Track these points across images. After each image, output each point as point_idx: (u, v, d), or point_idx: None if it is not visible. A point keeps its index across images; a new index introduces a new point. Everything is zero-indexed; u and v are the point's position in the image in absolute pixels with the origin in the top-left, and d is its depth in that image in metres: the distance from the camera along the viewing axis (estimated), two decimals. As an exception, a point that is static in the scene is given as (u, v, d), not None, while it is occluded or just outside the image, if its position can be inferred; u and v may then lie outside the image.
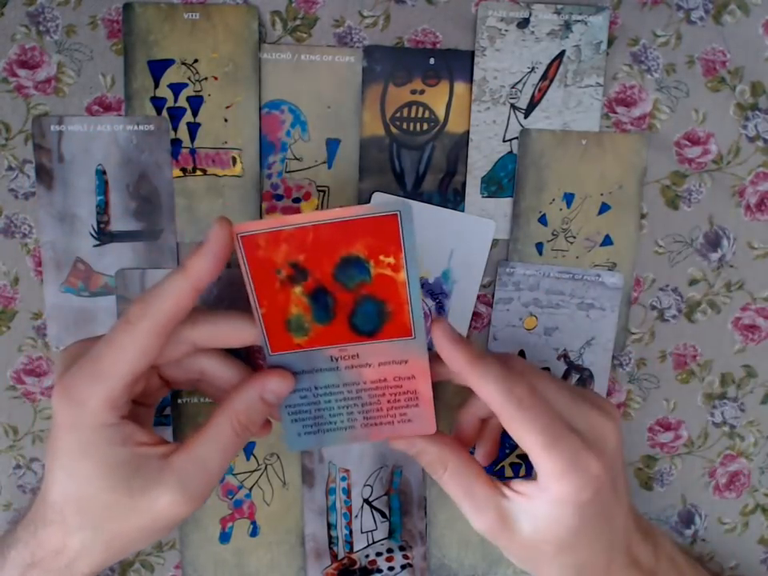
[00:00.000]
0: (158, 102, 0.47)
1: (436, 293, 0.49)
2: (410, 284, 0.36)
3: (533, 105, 0.48)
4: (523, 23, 0.47)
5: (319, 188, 0.49)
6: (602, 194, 0.49)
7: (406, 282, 0.36)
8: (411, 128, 0.48)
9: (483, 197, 0.49)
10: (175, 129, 0.48)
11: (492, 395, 0.37)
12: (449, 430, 0.50)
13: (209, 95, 0.47)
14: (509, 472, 0.51)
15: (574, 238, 0.49)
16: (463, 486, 0.39)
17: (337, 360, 0.38)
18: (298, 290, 0.36)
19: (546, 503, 0.38)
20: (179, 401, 0.49)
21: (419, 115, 0.48)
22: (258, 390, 0.38)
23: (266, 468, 0.50)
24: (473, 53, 0.48)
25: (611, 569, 0.40)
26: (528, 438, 0.37)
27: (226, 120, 0.48)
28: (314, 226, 0.34)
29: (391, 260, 0.35)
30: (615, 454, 0.39)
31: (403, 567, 0.51)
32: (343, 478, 0.51)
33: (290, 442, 0.41)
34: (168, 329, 0.36)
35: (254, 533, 0.51)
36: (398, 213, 0.34)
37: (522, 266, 0.49)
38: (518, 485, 0.39)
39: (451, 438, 0.41)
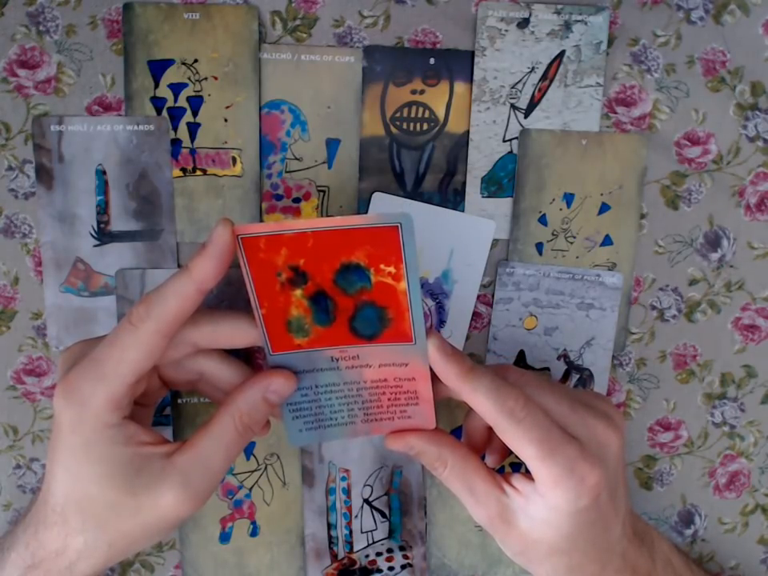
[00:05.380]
0: (158, 102, 0.47)
1: (436, 293, 0.49)
2: (410, 293, 0.36)
3: (533, 105, 0.48)
4: (523, 23, 0.47)
5: (319, 188, 0.49)
6: (601, 194, 0.49)
7: (407, 291, 0.36)
8: (411, 128, 0.48)
9: (483, 197, 0.49)
10: (175, 129, 0.48)
11: (484, 408, 0.37)
12: (448, 427, 0.50)
13: (209, 95, 0.47)
14: (509, 471, 0.51)
15: (574, 237, 0.49)
16: (464, 481, 0.40)
17: (337, 360, 0.38)
18: (298, 292, 0.36)
19: (542, 507, 0.38)
20: (179, 401, 0.49)
21: (419, 115, 0.48)
22: (261, 390, 0.38)
23: (266, 468, 0.50)
24: (473, 53, 0.48)
25: (605, 572, 0.40)
26: (522, 450, 0.37)
27: (225, 120, 0.48)
28: (314, 232, 0.34)
29: (392, 269, 0.35)
30: (616, 462, 0.39)
31: (403, 567, 0.51)
32: (343, 478, 0.51)
33: (291, 437, 0.41)
34: (172, 330, 0.36)
35: (253, 533, 0.51)
36: (399, 225, 0.34)
37: (522, 266, 0.49)
38: (518, 482, 0.39)
39: (449, 434, 0.42)
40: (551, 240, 0.49)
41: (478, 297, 0.50)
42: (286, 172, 0.48)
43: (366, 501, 0.51)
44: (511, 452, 0.39)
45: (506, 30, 0.47)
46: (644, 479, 0.52)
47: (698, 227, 0.50)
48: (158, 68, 0.47)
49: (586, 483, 0.37)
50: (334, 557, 0.51)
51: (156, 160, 0.48)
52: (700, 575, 0.48)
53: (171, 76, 0.47)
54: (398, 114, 0.48)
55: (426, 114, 0.48)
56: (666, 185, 0.49)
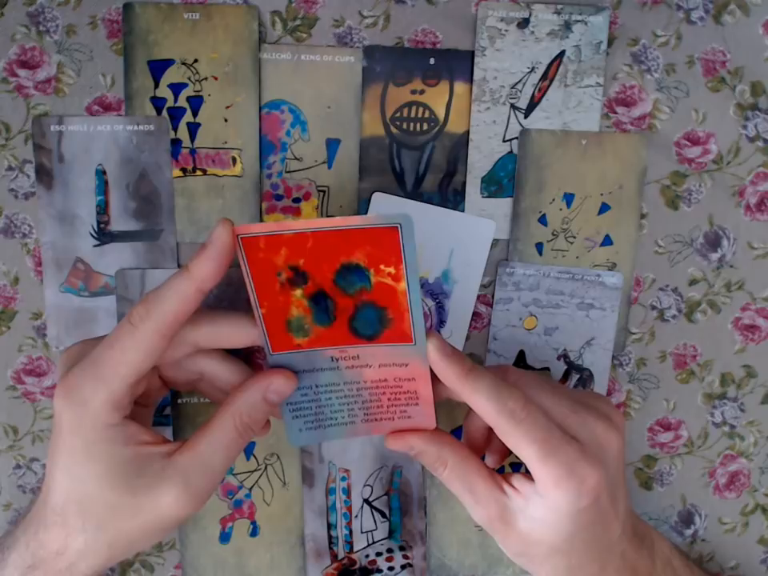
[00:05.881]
0: (158, 102, 0.47)
1: (436, 293, 0.49)
2: (410, 294, 0.36)
3: (533, 105, 0.48)
4: (523, 23, 0.47)
5: (319, 188, 0.49)
6: (601, 194, 0.49)
7: (407, 292, 0.36)
8: (411, 128, 0.48)
9: (483, 197, 0.49)
10: (175, 129, 0.48)
11: (485, 409, 0.37)
12: (448, 427, 0.50)
13: (209, 95, 0.47)
14: (509, 471, 0.51)
15: (574, 237, 0.49)
16: (464, 482, 0.40)
17: (337, 360, 0.38)
18: (298, 292, 0.36)
19: (542, 508, 0.38)
20: (179, 401, 0.49)
21: (419, 115, 0.48)
22: (262, 390, 0.38)
23: (266, 468, 0.50)
24: (473, 53, 0.48)
25: (605, 573, 0.40)
26: (523, 450, 0.37)
27: (226, 120, 0.48)
28: (314, 233, 0.34)
29: (392, 270, 0.35)
30: (616, 463, 0.39)
31: (403, 567, 0.51)
32: (343, 478, 0.51)
33: (291, 437, 0.41)
34: (172, 331, 0.36)
35: (254, 533, 0.51)
36: (399, 225, 0.34)
37: (522, 266, 0.49)
38: (518, 482, 0.39)
39: (449, 435, 0.42)
40: (551, 240, 0.49)
41: (478, 297, 0.50)
42: (286, 172, 0.48)
43: (366, 501, 0.51)
44: (511, 452, 0.39)
45: (506, 30, 0.47)
46: (644, 479, 0.52)
47: (697, 227, 0.50)
48: (158, 68, 0.47)
49: (586, 484, 0.37)
50: (334, 557, 0.51)
51: (156, 160, 0.48)
52: (700, 575, 0.48)
53: (171, 76, 0.47)
54: (398, 114, 0.48)
55: (426, 114, 0.48)
56: (666, 185, 0.49)
